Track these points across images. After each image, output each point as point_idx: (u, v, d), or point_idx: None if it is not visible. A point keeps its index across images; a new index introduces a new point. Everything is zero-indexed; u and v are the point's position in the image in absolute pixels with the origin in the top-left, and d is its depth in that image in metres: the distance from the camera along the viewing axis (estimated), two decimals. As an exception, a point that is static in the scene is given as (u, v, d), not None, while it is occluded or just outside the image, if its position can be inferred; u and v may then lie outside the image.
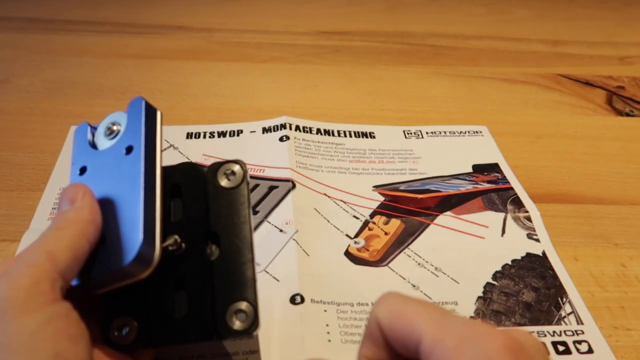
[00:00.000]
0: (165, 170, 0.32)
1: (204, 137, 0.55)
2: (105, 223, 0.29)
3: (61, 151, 0.53)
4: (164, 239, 0.30)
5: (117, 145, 0.32)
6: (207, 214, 0.32)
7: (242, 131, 0.56)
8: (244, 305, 0.30)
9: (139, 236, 0.28)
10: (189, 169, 0.34)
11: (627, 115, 0.65)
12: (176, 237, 0.31)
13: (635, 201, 0.52)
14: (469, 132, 0.59)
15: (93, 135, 0.33)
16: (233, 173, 0.33)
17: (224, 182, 0.33)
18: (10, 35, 0.76)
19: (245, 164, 0.33)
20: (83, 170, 0.32)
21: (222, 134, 0.56)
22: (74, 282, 0.28)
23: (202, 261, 0.31)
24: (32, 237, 0.43)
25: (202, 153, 0.53)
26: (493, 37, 0.83)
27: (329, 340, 0.37)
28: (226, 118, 0.59)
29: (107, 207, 0.30)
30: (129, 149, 0.31)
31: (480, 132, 0.59)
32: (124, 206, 0.29)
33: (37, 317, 0.23)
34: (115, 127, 0.32)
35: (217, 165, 0.33)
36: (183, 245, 0.31)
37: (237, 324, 0.30)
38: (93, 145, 0.33)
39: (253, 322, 0.30)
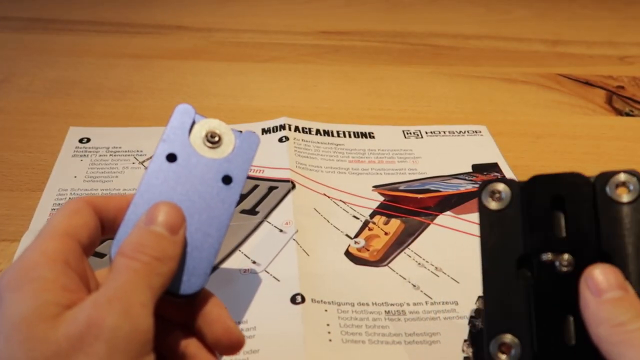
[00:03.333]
0: (547, 179, 0.30)
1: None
2: None
3: (61, 151, 0.53)
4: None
5: (218, 165, 0.31)
6: (597, 230, 0.29)
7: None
8: None
9: (202, 279, 0.29)
10: (573, 178, 0.30)
11: (627, 115, 0.65)
12: (568, 256, 0.29)
13: (635, 201, 0.51)
14: (468, 132, 0.59)
15: (192, 124, 0.32)
16: (626, 184, 0.29)
17: (615, 196, 0.29)
18: (10, 35, 0.76)
19: None
20: (171, 158, 0.31)
21: (222, 134, 0.56)
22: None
23: None
24: (32, 237, 0.43)
25: (202, 153, 0.53)
26: (493, 37, 0.83)
27: (330, 340, 0.37)
28: (226, 118, 0.58)
29: (188, 222, 0.29)
30: (227, 180, 0.31)
31: (480, 132, 0.59)
32: (203, 235, 0.29)
33: None
34: (218, 138, 0.32)
35: (608, 175, 0.30)
36: (571, 265, 0.29)
37: None
38: (190, 139, 0.31)
39: None
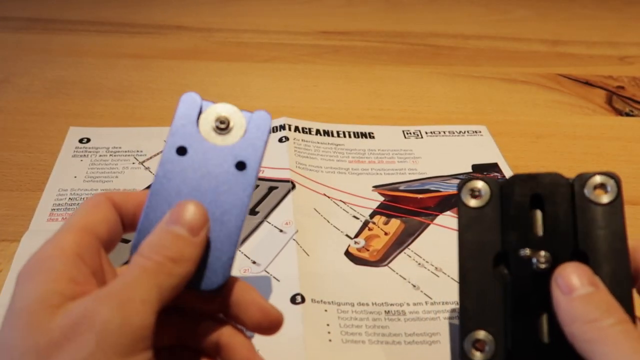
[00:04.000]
0: (527, 178, 0.31)
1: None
2: None
3: (61, 151, 0.53)
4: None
5: (230, 151, 0.30)
6: (575, 229, 0.30)
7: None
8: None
9: (224, 272, 0.28)
10: (552, 178, 0.31)
11: (627, 115, 0.65)
12: (545, 253, 0.29)
13: (635, 201, 0.51)
14: (468, 132, 0.59)
15: (200, 112, 0.30)
16: (603, 186, 0.30)
17: (592, 197, 0.30)
18: (10, 35, 0.76)
19: (619, 178, 0.30)
20: (182, 151, 0.30)
21: (222, 134, 0.56)
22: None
23: None
24: (31, 237, 0.43)
25: (202, 153, 0.53)
26: (493, 37, 0.83)
27: (330, 340, 0.37)
28: (226, 118, 0.59)
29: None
30: (242, 165, 0.29)
31: (480, 132, 0.59)
32: (222, 226, 0.28)
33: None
34: (228, 123, 0.30)
35: (586, 177, 0.31)
36: (549, 262, 0.29)
37: None
38: (198, 128, 0.30)
39: None
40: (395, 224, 0.47)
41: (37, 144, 0.54)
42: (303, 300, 0.39)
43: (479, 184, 0.32)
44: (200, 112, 0.30)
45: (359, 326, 0.38)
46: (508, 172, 0.53)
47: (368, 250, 0.44)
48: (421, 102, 0.65)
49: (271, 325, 0.29)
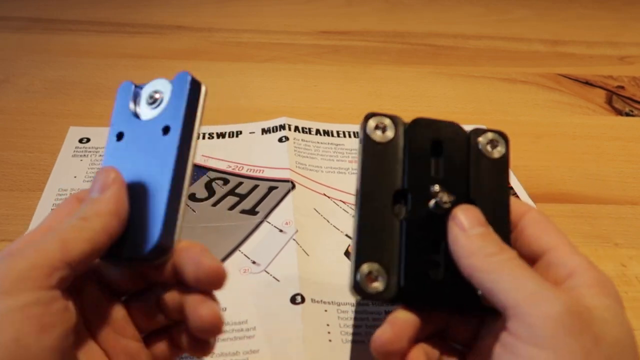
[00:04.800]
0: (429, 123, 0.33)
1: (203, 138, 0.56)
2: (131, 205, 0.29)
3: (61, 151, 0.53)
4: (427, 189, 0.31)
5: (157, 121, 0.31)
6: (467, 178, 0.32)
7: (241, 132, 0.56)
8: None
9: (158, 231, 0.28)
10: (452, 127, 0.33)
11: (627, 115, 0.65)
12: (449, 194, 0.31)
13: (635, 201, 0.52)
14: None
15: (136, 97, 0.32)
16: (494, 142, 0.33)
17: (484, 151, 0.32)
18: (10, 35, 0.76)
19: (509, 138, 0.33)
20: (120, 136, 0.32)
21: (221, 135, 0.56)
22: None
23: None
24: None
25: (201, 154, 0.53)
26: (493, 37, 0.83)
27: (330, 340, 0.37)
28: (226, 118, 0.59)
29: (136, 188, 0.29)
30: (166, 130, 0.30)
31: (480, 132, 0.59)
32: (151, 193, 0.29)
33: (15, 301, 0.24)
34: (158, 96, 0.31)
35: (481, 131, 0.33)
36: (451, 203, 0.30)
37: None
38: (134, 111, 0.32)
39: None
40: (395, 224, 0.47)
41: (37, 144, 0.54)
42: (303, 300, 0.39)
43: (386, 121, 0.33)
44: (136, 97, 0.32)
45: (359, 326, 0.38)
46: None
47: (368, 250, 0.44)
48: (421, 102, 0.65)
49: (208, 279, 0.28)
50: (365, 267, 0.30)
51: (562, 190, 0.52)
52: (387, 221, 0.31)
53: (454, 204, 0.30)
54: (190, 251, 0.29)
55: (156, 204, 0.29)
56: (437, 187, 0.31)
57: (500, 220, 0.31)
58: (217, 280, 0.28)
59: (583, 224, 0.48)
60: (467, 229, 0.29)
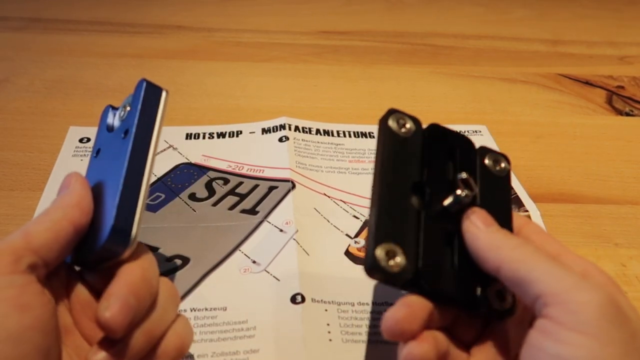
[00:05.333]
0: (445, 131, 0.34)
1: (203, 137, 0.56)
2: (95, 205, 0.30)
3: (61, 151, 0.53)
4: (444, 186, 0.32)
5: (120, 128, 0.33)
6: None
7: (241, 132, 0.56)
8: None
9: (112, 220, 0.29)
10: (462, 139, 0.35)
11: (627, 115, 0.65)
12: (460, 192, 0.31)
13: (635, 201, 0.52)
14: (468, 131, 0.59)
15: (114, 116, 0.35)
16: (498, 162, 0.35)
17: (490, 166, 0.34)
18: (10, 35, 0.76)
19: (509, 160, 0.35)
20: (98, 152, 0.34)
21: (221, 135, 0.56)
22: (67, 259, 0.30)
23: None
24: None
25: (202, 154, 0.53)
26: (493, 37, 0.83)
27: (330, 340, 0.37)
28: (226, 118, 0.59)
29: (99, 189, 0.31)
30: (126, 132, 0.32)
31: (480, 131, 0.59)
32: (109, 189, 0.31)
33: None
34: (127, 108, 0.33)
35: (486, 150, 0.35)
36: (467, 198, 0.31)
37: (498, 304, 0.30)
38: (110, 127, 0.34)
39: (512, 305, 0.30)
40: (395, 224, 0.47)
41: (37, 144, 0.54)
42: (303, 300, 0.39)
43: (407, 120, 0.34)
44: (113, 116, 0.35)
45: (359, 326, 0.38)
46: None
47: (368, 250, 0.44)
48: (421, 102, 0.65)
49: (98, 324, 0.27)
50: (383, 247, 0.29)
51: (562, 190, 0.52)
52: (405, 208, 0.31)
53: (473, 200, 0.32)
54: (113, 284, 0.28)
55: (112, 196, 0.30)
56: (464, 174, 0.31)
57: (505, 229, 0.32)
58: (107, 331, 0.27)
59: (583, 224, 0.48)
60: (487, 225, 0.30)
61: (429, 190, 0.32)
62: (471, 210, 0.31)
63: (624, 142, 0.60)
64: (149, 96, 0.33)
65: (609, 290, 0.27)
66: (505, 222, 0.32)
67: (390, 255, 0.29)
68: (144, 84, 0.33)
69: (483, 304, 0.30)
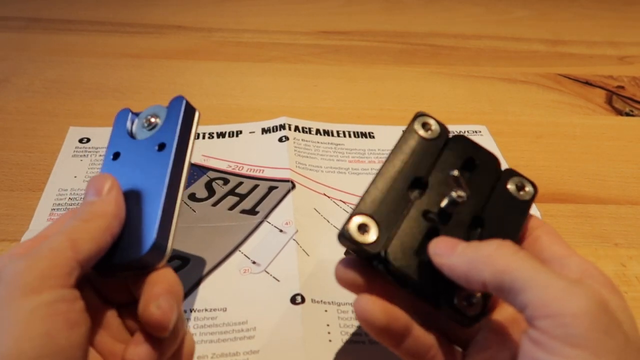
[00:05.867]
0: (471, 143, 0.35)
1: (203, 137, 0.56)
2: (127, 214, 0.30)
3: (61, 151, 0.53)
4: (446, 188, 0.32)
5: (152, 139, 0.33)
6: (486, 204, 0.33)
7: (241, 132, 0.56)
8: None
9: (153, 234, 0.29)
10: (487, 155, 0.35)
11: (627, 115, 0.65)
12: (454, 194, 0.31)
13: (635, 201, 0.52)
14: (468, 131, 0.59)
15: (133, 122, 0.35)
16: (522, 187, 0.34)
17: (512, 188, 0.34)
18: (10, 35, 0.76)
19: (537, 190, 0.34)
20: (116, 156, 0.34)
21: (221, 135, 0.56)
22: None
23: (461, 234, 0.31)
24: (31, 237, 0.43)
25: (202, 154, 0.53)
26: (493, 37, 0.83)
27: (330, 340, 0.37)
28: (226, 118, 0.59)
29: (132, 198, 0.31)
30: (162, 146, 0.33)
31: (480, 131, 0.59)
32: (146, 201, 0.31)
33: (42, 297, 0.24)
34: (153, 120, 0.34)
35: (514, 174, 0.35)
36: (464, 199, 0.31)
37: (466, 307, 0.30)
38: (130, 133, 0.35)
39: (483, 309, 0.30)
40: (395, 224, 0.47)
41: (37, 144, 0.54)
42: (303, 300, 0.39)
43: (433, 122, 0.35)
44: (133, 122, 0.35)
45: (359, 326, 0.38)
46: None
47: (368, 250, 0.44)
48: (421, 102, 0.65)
49: (148, 322, 0.28)
50: (359, 218, 0.31)
51: (562, 190, 0.52)
52: (399, 195, 0.32)
53: (463, 205, 0.32)
54: (155, 286, 0.29)
55: (152, 209, 0.30)
56: (456, 172, 0.31)
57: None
58: (154, 329, 0.28)
59: (583, 224, 0.48)
60: (450, 251, 0.29)
61: (429, 188, 0.33)
62: (431, 242, 0.30)
63: (624, 142, 0.60)
64: (187, 115, 0.34)
65: (601, 294, 0.26)
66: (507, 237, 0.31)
67: (364, 227, 0.31)
68: (184, 102, 0.34)
69: (447, 301, 0.30)
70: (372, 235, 0.30)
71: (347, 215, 0.31)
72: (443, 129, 0.35)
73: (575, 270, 0.29)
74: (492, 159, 0.35)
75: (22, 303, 0.24)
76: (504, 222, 0.32)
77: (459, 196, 0.31)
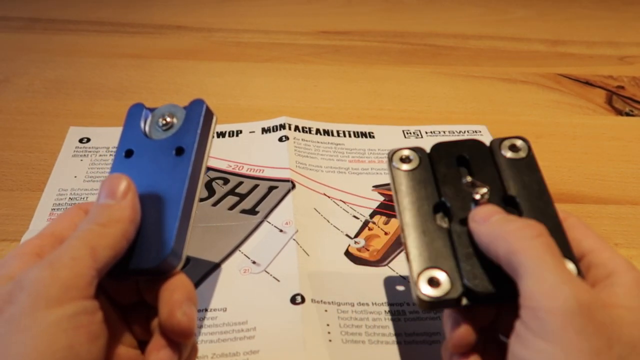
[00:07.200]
0: (450, 144, 0.35)
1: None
2: (142, 218, 0.30)
3: (61, 151, 0.53)
4: (463, 195, 0.32)
5: (169, 141, 0.32)
6: (501, 180, 0.33)
7: (241, 131, 0.56)
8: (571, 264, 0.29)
9: (171, 243, 0.29)
10: (472, 143, 0.35)
11: (627, 115, 0.65)
12: (485, 188, 0.32)
13: (635, 201, 0.52)
14: (468, 131, 0.59)
15: (146, 119, 0.34)
16: (514, 145, 0.35)
17: (509, 155, 0.34)
18: (10, 35, 0.76)
19: (528, 140, 0.35)
20: (129, 153, 0.33)
21: (221, 135, 0.56)
22: None
23: None
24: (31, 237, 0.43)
25: (202, 153, 0.53)
26: (493, 37, 0.83)
27: (330, 340, 0.37)
28: (226, 118, 0.59)
29: (147, 202, 0.30)
30: (180, 150, 0.32)
31: (480, 131, 0.59)
32: (163, 207, 0.30)
33: (65, 309, 0.24)
34: (169, 120, 0.33)
35: (500, 140, 0.35)
36: (487, 195, 0.32)
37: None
38: (145, 131, 0.33)
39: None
40: (395, 224, 0.47)
41: (37, 144, 0.54)
42: (303, 300, 0.39)
43: (407, 152, 0.35)
44: (146, 118, 0.34)
45: (359, 326, 0.38)
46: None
47: (368, 250, 0.44)
48: (421, 101, 0.65)
49: (172, 329, 0.28)
50: (423, 276, 0.30)
51: (562, 190, 0.52)
52: (434, 229, 0.32)
53: (491, 195, 0.32)
54: (175, 293, 0.29)
55: (169, 216, 0.30)
56: (468, 178, 0.32)
57: (546, 211, 0.31)
58: (181, 336, 0.28)
59: (583, 224, 0.48)
60: (483, 220, 0.30)
61: (449, 204, 0.33)
62: (474, 209, 0.31)
63: (624, 142, 0.60)
64: (207, 120, 0.33)
65: (590, 297, 0.25)
66: (544, 203, 0.32)
67: (433, 282, 0.30)
68: (204, 107, 0.33)
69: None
70: (445, 284, 0.30)
71: (411, 285, 0.30)
72: (420, 151, 0.35)
73: (608, 265, 0.29)
74: (476, 144, 0.35)
75: (45, 315, 0.24)
76: (526, 187, 0.33)
77: (482, 195, 0.31)
